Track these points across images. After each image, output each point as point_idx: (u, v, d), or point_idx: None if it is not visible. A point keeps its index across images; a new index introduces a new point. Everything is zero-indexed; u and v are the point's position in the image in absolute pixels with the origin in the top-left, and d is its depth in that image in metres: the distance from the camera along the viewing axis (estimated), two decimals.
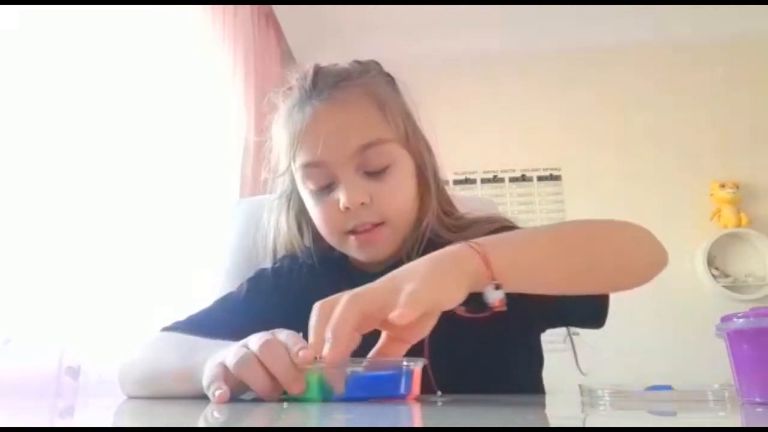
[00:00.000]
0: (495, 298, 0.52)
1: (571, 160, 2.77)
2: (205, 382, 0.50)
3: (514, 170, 2.79)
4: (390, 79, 0.80)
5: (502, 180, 2.79)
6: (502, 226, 0.75)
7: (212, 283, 1.04)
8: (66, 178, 1.17)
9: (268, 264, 0.85)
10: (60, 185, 1.15)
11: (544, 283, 0.59)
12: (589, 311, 0.69)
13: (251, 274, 0.85)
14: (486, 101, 2.81)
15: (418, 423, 0.37)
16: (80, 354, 1.13)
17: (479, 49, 2.81)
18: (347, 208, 0.69)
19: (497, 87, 2.85)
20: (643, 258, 0.64)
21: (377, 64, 0.80)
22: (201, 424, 0.37)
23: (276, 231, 0.84)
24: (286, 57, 2.75)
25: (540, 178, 2.78)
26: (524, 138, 2.75)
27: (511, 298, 0.52)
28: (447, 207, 0.80)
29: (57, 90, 1.16)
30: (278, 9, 2.52)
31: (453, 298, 0.50)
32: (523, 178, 2.79)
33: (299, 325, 0.75)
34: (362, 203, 0.69)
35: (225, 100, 2.03)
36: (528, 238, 0.61)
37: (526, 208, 2.74)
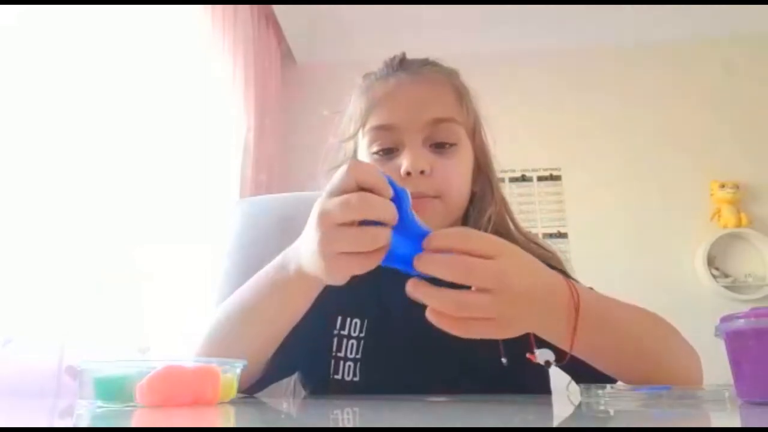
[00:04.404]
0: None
1: (571, 160, 2.77)
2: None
3: (514, 170, 2.79)
4: (467, 87, 0.84)
5: (501, 180, 2.77)
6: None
7: (211, 283, 1.04)
8: (67, 179, 1.17)
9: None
10: (60, 186, 1.15)
11: (598, 362, 0.59)
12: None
13: None
14: (485, 101, 2.81)
15: (418, 423, 0.37)
16: (80, 354, 1.13)
17: (479, 50, 2.81)
18: (408, 173, 0.69)
19: (497, 87, 2.84)
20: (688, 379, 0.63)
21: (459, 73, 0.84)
22: (201, 424, 0.37)
23: None
24: (286, 58, 2.74)
25: (540, 178, 2.78)
26: (524, 138, 2.75)
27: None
28: (508, 207, 0.84)
29: (57, 92, 1.16)
30: (278, 9, 2.52)
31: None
32: (523, 178, 2.79)
33: (327, 306, 0.74)
34: (422, 171, 0.69)
35: (225, 100, 2.03)
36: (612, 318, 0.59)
37: (526, 208, 2.74)
